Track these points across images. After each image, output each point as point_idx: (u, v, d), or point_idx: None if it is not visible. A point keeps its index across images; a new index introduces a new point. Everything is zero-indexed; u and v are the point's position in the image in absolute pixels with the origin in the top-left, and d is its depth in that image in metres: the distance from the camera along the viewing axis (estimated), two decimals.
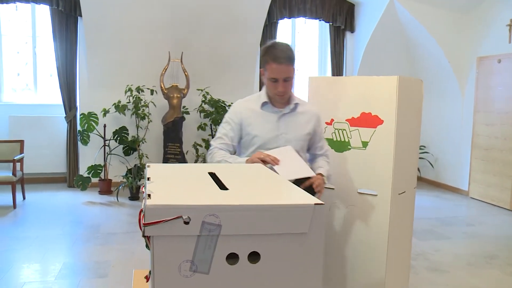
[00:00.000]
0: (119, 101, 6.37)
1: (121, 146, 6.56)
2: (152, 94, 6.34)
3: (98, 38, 6.39)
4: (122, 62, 6.59)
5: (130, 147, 6.49)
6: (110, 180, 6.46)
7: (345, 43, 8.05)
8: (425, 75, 7.29)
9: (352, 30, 7.97)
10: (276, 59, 2.22)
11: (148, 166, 1.45)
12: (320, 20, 7.87)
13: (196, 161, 6.64)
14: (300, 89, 7.71)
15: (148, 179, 1.24)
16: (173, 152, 6.26)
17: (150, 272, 1.06)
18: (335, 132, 2.90)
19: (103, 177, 6.53)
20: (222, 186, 1.18)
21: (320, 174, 2.34)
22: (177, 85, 6.41)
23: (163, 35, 6.50)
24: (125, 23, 6.34)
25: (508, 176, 6.02)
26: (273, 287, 1.03)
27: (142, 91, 6.31)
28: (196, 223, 0.96)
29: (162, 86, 6.28)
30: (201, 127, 6.73)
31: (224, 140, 2.36)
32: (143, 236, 0.96)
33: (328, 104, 2.87)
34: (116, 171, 6.65)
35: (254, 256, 1.01)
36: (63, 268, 3.77)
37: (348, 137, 2.86)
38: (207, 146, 6.70)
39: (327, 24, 7.95)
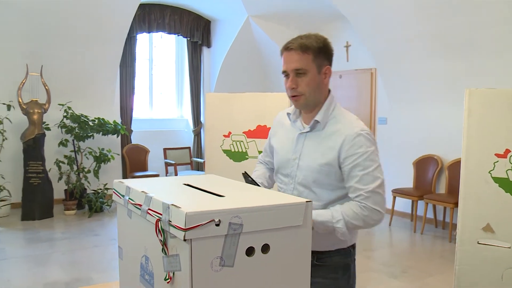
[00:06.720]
0: None
1: None
2: (9, 109, 5.84)
3: None
4: None
5: None
6: None
7: (202, 58, 8.43)
8: (277, 90, 8.01)
9: (208, 45, 8.38)
10: (285, 45, 1.77)
11: (120, 182, 1.55)
12: (178, 35, 8.12)
13: (60, 179, 6.29)
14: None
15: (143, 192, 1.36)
16: (35, 170, 5.86)
17: (173, 273, 1.22)
18: (233, 144, 3.19)
19: None
20: (215, 194, 1.37)
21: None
22: (37, 100, 6.02)
23: (19, 46, 6.05)
24: None
25: None
26: (280, 271, 1.26)
27: None
28: (224, 225, 1.16)
29: (20, 101, 5.85)
30: (63, 143, 6.42)
31: (264, 154, 2.09)
32: (184, 239, 1.12)
33: (225, 118, 3.15)
34: None
35: (264, 248, 1.24)
36: None
37: (245, 148, 3.16)
38: (70, 162, 6.42)
39: (185, 39, 8.23)
